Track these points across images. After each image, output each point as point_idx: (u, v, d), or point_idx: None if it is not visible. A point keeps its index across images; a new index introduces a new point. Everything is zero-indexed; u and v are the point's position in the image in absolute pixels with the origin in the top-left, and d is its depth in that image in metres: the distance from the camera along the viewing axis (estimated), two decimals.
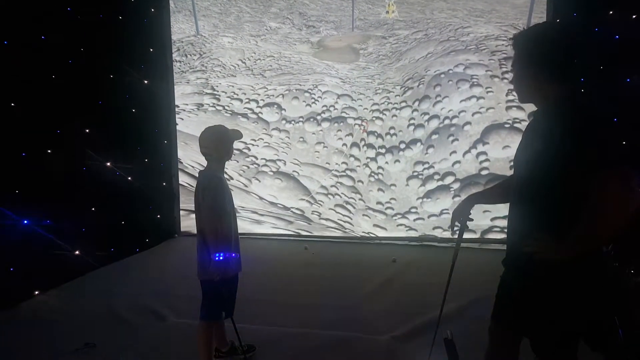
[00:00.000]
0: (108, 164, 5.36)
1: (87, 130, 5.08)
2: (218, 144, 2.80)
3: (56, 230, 4.45)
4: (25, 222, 4.26)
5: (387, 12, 5.84)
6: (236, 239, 2.88)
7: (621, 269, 1.88)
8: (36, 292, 4.26)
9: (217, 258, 2.63)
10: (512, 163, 2.26)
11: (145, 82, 6.01)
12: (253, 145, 6.26)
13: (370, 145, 5.98)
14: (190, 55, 6.47)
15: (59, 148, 4.64)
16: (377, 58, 5.92)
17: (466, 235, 5.53)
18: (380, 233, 6.04)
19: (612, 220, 1.63)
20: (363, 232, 6.08)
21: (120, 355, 3.17)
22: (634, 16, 4.58)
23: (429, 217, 5.86)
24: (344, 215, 6.07)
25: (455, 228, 2.30)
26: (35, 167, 4.31)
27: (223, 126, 2.90)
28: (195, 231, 2.85)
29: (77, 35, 4.88)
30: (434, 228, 5.84)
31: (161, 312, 3.84)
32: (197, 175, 2.94)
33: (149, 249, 5.85)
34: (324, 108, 6.09)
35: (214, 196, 2.70)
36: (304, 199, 6.17)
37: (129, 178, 5.68)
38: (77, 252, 4.74)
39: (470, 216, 2.27)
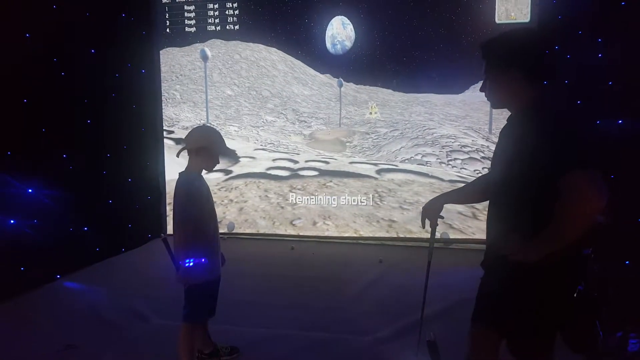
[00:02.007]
0: (94, 163, 5.32)
1: (73, 129, 5.03)
2: (208, 144, 2.73)
3: (40, 229, 4.41)
4: (11, 221, 4.23)
5: (370, 113, 6.66)
6: (217, 242, 2.86)
7: (602, 271, 1.90)
8: (18, 292, 4.19)
9: (186, 264, 2.61)
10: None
11: (132, 80, 5.99)
12: None
13: None
14: None
15: (43, 147, 4.61)
16: (361, 149, 6.72)
17: (452, 236, 5.56)
18: (367, 232, 6.04)
19: (576, 221, 1.66)
20: (347, 224, 6.19)
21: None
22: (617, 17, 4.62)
23: None
24: None
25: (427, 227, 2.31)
26: (20, 167, 4.28)
27: (217, 130, 2.87)
28: None
29: (62, 33, 4.84)
30: None
31: (145, 313, 3.82)
32: None
33: (134, 249, 5.80)
34: None
35: (186, 203, 2.66)
36: None
37: (115, 177, 5.65)
38: (61, 252, 4.69)
39: (441, 214, 2.29)
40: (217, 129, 6.57)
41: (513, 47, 1.86)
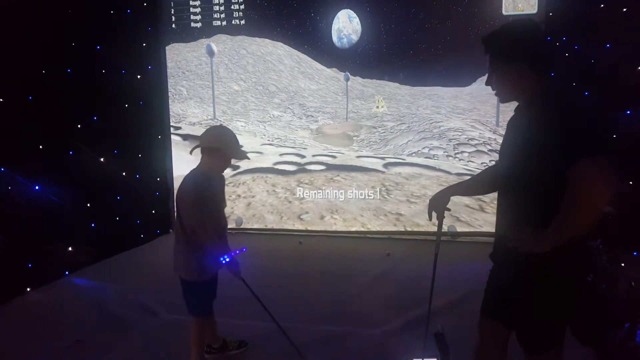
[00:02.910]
0: (102, 159, 5.35)
1: (80, 126, 5.05)
2: (222, 147, 2.64)
3: (48, 226, 4.43)
4: (19, 218, 4.24)
5: (377, 107, 6.64)
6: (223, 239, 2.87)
7: (610, 263, 1.88)
8: (28, 289, 4.24)
9: (224, 261, 2.63)
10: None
11: (139, 77, 6.00)
12: None
13: None
14: None
15: (50, 144, 4.63)
16: (368, 143, 6.71)
17: (459, 229, 5.53)
18: (375, 225, 6.03)
19: (586, 210, 1.65)
20: (355, 218, 6.15)
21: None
22: (624, 9, 4.56)
23: None
24: None
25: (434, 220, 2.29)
26: (27, 164, 4.30)
27: (233, 133, 2.72)
28: None
29: (68, 30, 4.85)
30: None
31: (154, 307, 3.85)
32: None
33: (143, 245, 5.84)
34: None
35: (200, 205, 2.58)
36: None
37: (123, 173, 5.67)
38: (70, 248, 4.72)
39: (448, 206, 2.27)
40: (225, 124, 6.59)
41: (517, 38, 1.84)
